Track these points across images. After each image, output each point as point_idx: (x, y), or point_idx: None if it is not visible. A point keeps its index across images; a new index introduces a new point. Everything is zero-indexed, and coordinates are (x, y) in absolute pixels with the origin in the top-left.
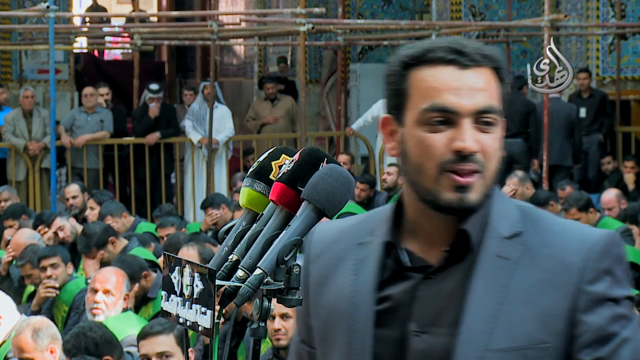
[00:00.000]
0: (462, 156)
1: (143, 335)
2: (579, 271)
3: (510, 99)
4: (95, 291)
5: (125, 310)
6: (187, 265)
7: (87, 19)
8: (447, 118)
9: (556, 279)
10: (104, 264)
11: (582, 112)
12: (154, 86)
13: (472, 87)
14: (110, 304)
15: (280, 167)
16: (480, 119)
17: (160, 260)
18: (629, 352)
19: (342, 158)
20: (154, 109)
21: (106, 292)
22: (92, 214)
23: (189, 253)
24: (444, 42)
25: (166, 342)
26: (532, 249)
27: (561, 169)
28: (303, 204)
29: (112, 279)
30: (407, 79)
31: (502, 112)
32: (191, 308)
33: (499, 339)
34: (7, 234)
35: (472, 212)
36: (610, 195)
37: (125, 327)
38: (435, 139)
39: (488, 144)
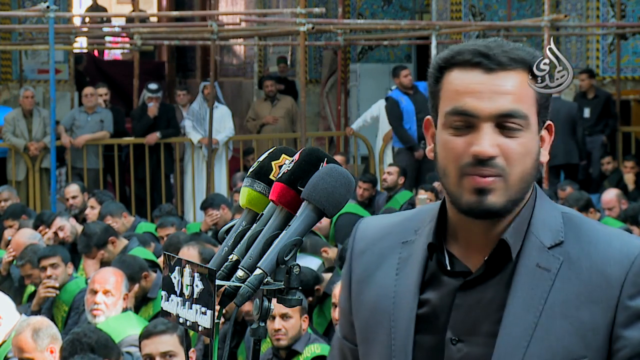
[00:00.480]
0: (480, 160)
1: (146, 335)
2: (620, 285)
3: None
4: (95, 292)
5: (125, 310)
6: (187, 265)
7: (87, 19)
8: (467, 122)
9: (596, 293)
10: (104, 264)
11: (586, 113)
12: (152, 86)
13: (495, 91)
14: (110, 304)
15: (280, 167)
16: (503, 123)
17: (160, 260)
18: None
19: (337, 159)
20: (152, 109)
21: (106, 292)
22: (92, 213)
23: (189, 253)
24: (475, 45)
25: (170, 342)
26: (574, 260)
27: (569, 166)
28: (303, 204)
29: (111, 279)
30: (440, 82)
31: (531, 116)
32: (191, 308)
33: (536, 352)
34: (7, 234)
35: (497, 216)
36: (610, 195)
37: (125, 327)
38: (457, 142)
39: (511, 149)
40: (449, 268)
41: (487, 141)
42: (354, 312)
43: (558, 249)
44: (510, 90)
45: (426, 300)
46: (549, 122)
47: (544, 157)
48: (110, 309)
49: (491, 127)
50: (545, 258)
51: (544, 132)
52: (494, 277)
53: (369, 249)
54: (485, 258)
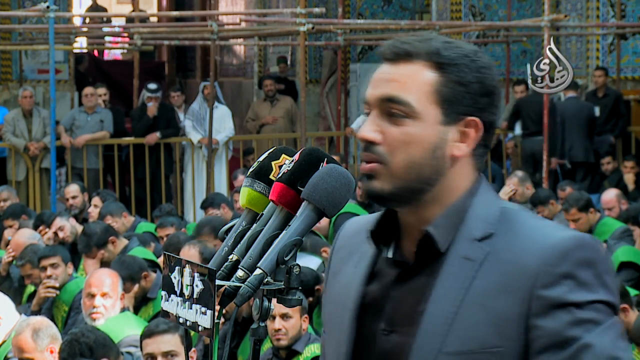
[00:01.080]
0: (365, 145)
1: (148, 334)
2: (533, 275)
3: (527, 99)
4: (92, 296)
5: (122, 310)
6: (187, 265)
7: (87, 19)
8: (367, 108)
9: (512, 283)
10: (104, 263)
11: (596, 111)
12: (152, 85)
13: (384, 79)
14: (109, 306)
15: (280, 167)
16: (388, 109)
17: (160, 260)
18: (591, 357)
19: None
20: (151, 108)
21: (104, 295)
22: (95, 211)
23: (190, 252)
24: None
25: (172, 342)
26: (498, 252)
27: (585, 165)
28: (303, 204)
29: (107, 281)
30: None
31: (418, 105)
32: (191, 308)
33: (453, 342)
34: (7, 234)
35: (391, 202)
36: (610, 195)
37: (124, 327)
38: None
39: (392, 136)
40: (389, 256)
41: (368, 126)
42: (324, 305)
43: (487, 241)
44: (395, 78)
45: (369, 292)
46: (472, 118)
47: (458, 151)
48: (109, 311)
49: (377, 113)
50: (472, 250)
51: (467, 129)
52: (426, 268)
53: (344, 246)
54: (415, 250)
